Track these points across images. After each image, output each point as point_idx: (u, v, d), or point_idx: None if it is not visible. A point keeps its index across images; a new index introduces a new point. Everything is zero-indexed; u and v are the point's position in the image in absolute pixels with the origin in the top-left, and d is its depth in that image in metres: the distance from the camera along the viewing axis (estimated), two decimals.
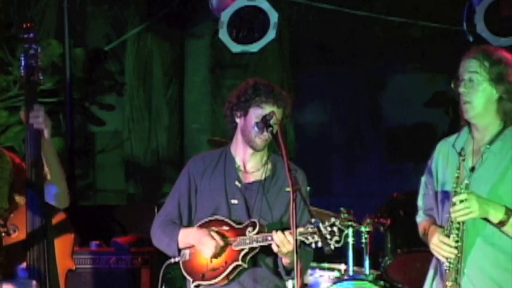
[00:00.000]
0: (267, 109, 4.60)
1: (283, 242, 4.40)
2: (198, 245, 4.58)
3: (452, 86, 4.19)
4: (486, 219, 4.04)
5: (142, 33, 9.43)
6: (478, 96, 4.14)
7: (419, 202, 4.42)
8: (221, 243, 4.53)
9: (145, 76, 9.53)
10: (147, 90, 9.54)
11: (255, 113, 4.61)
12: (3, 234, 4.26)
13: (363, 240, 6.11)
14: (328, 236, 4.35)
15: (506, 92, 4.13)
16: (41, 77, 4.42)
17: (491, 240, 4.09)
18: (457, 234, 4.05)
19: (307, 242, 4.39)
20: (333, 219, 4.39)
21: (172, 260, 4.73)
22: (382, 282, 6.07)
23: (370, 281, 6.05)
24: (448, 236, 4.07)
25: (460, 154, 4.08)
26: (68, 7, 8.04)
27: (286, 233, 4.39)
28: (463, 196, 3.99)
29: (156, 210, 7.25)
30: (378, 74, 9.96)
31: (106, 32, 9.55)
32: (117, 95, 9.58)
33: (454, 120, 9.52)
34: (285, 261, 4.52)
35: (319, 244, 4.36)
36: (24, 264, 4.31)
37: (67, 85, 8.06)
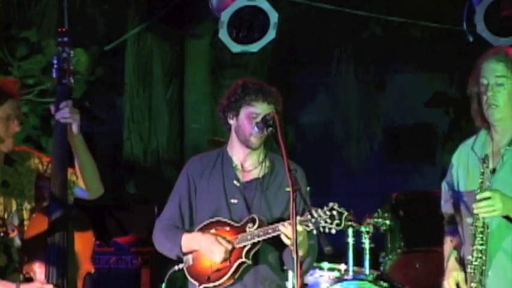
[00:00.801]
0: (258, 107, 4.62)
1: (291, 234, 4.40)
2: (206, 252, 4.59)
3: (474, 89, 4.20)
4: (509, 219, 4.07)
5: (142, 33, 9.42)
6: (505, 99, 4.16)
7: (442, 209, 4.46)
8: (229, 247, 4.55)
9: (145, 76, 9.52)
10: (147, 90, 9.53)
11: (246, 112, 4.64)
12: (1, 234, 4.27)
13: (363, 240, 6.11)
14: (329, 221, 4.35)
15: None
16: (72, 80, 4.47)
17: None
18: (482, 238, 4.09)
19: (309, 229, 4.39)
20: (331, 204, 4.40)
21: (176, 268, 4.74)
22: (382, 282, 6.07)
23: (370, 281, 6.05)
24: (473, 242, 4.09)
25: (483, 161, 4.10)
26: (68, 7, 8.02)
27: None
28: (487, 194, 4.03)
29: (156, 210, 7.27)
30: (378, 74, 9.95)
31: (106, 32, 9.54)
32: (117, 95, 9.57)
33: (454, 120, 9.54)
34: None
35: (321, 229, 4.36)
36: (42, 264, 4.32)
37: None
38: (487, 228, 4.09)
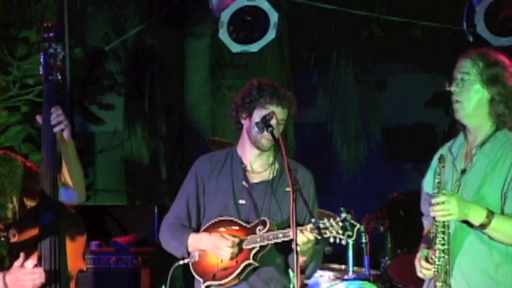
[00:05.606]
0: (272, 110, 4.60)
1: (303, 241, 4.39)
2: (213, 250, 4.58)
3: (446, 86, 4.21)
4: (467, 222, 4.05)
5: (142, 33, 9.43)
6: (469, 96, 4.15)
7: (422, 208, 4.44)
8: (236, 240, 4.53)
9: (145, 76, 9.53)
10: (147, 90, 9.54)
11: (260, 114, 4.61)
12: (2, 238, 4.26)
13: (363, 240, 6.11)
14: (341, 232, 4.35)
15: (499, 94, 4.13)
16: (59, 77, 4.43)
17: (482, 235, 4.08)
18: (443, 238, 4.06)
19: (319, 237, 4.40)
20: (343, 215, 4.39)
21: (181, 262, 4.72)
22: (382, 283, 6.07)
23: (370, 281, 6.05)
24: (435, 240, 4.07)
25: (439, 161, 4.09)
26: (68, 7, 8.02)
27: (305, 231, 4.39)
28: (442, 198, 4.01)
29: (156, 210, 7.27)
30: (378, 74, 9.95)
31: (106, 32, 9.54)
32: (117, 95, 9.58)
33: (454, 120, 9.54)
34: (302, 259, 4.50)
35: (331, 239, 4.37)
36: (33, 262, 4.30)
37: (67, 85, 8.05)
38: (448, 228, 4.05)
